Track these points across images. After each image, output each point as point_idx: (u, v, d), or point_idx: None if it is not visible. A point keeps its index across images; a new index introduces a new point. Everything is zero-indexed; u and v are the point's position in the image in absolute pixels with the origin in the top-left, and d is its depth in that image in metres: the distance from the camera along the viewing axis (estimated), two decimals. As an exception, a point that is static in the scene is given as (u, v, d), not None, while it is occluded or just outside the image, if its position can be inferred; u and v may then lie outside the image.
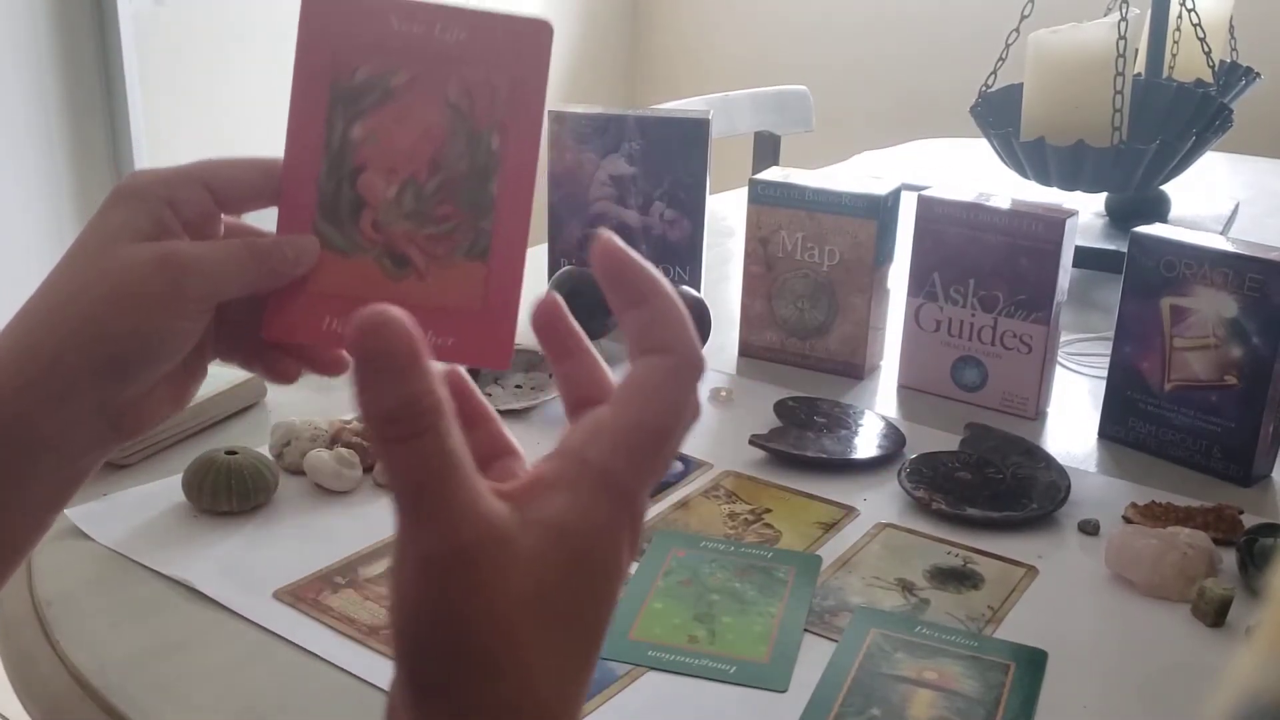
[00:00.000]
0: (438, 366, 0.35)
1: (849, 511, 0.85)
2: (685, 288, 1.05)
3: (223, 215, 0.52)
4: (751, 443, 0.92)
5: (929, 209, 1.02)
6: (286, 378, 0.53)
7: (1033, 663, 0.68)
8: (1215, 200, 1.62)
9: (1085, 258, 1.34)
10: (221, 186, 0.50)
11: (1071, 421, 1.01)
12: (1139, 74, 1.55)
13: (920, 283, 1.04)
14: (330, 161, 0.48)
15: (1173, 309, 0.91)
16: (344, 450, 0.86)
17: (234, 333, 0.52)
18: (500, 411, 0.97)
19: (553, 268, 1.17)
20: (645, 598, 0.74)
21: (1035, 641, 0.70)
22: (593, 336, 1.20)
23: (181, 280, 0.47)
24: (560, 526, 0.36)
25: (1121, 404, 0.96)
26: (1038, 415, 1.01)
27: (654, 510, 0.84)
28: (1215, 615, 0.72)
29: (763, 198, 1.08)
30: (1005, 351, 1.01)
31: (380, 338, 0.33)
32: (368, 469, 0.87)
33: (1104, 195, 1.53)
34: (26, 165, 2.26)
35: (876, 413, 1.00)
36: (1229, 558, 0.78)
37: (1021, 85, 1.44)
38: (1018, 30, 1.45)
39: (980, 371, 1.02)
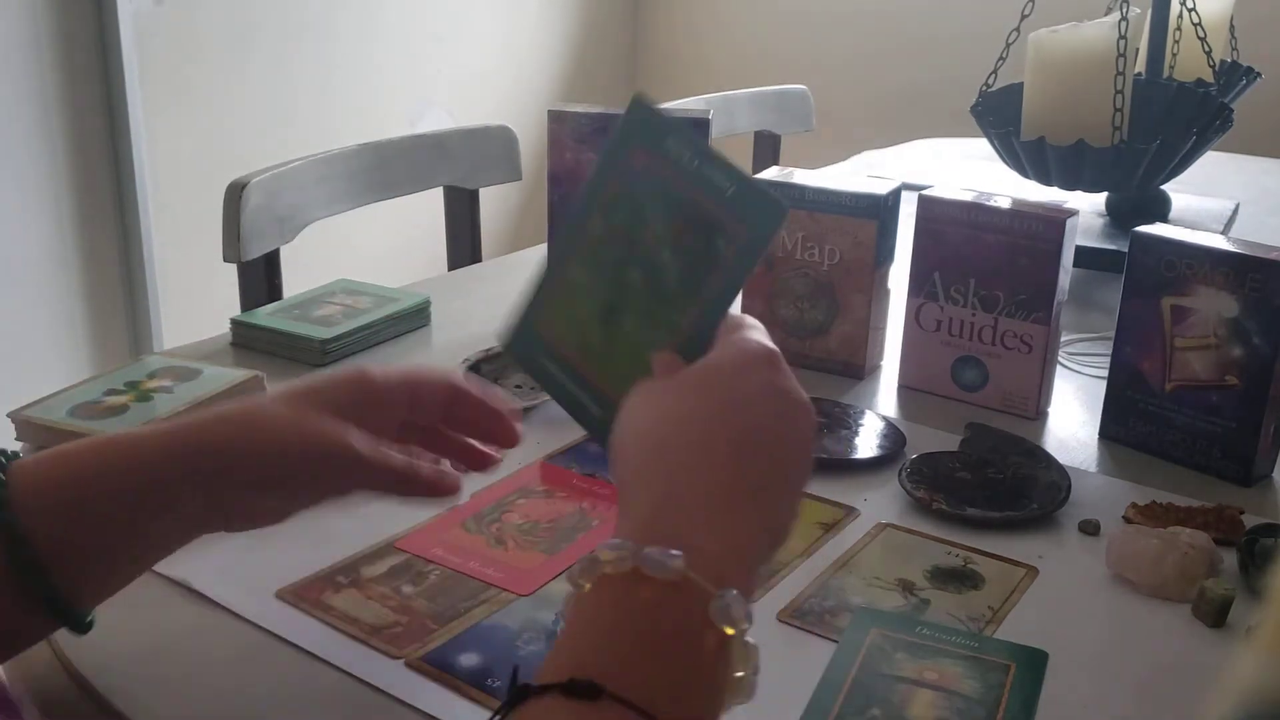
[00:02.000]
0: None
1: (849, 511, 0.85)
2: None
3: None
4: (752, 443, 0.92)
5: (929, 209, 1.02)
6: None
7: (1033, 663, 0.68)
8: (1216, 200, 1.62)
9: (1086, 257, 1.34)
10: (421, 402, 0.66)
11: (1072, 421, 1.01)
12: (1139, 73, 1.55)
13: (920, 282, 1.04)
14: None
15: (1173, 309, 0.91)
16: (344, 450, 0.86)
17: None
18: (500, 411, 0.97)
19: (553, 267, 1.17)
20: (573, 253, 0.62)
21: (1036, 642, 0.70)
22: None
23: (342, 482, 0.62)
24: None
25: (1122, 404, 0.96)
26: (1038, 415, 1.01)
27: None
28: (1216, 615, 0.72)
29: (763, 197, 1.07)
30: (1006, 351, 1.01)
31: None
32: (368, 469, 0.87)
33: (1104, 195, 1.53)
34: (26, 165, 2.26)
35: (877, 413, 1.00)
36: (1230, 558, 0.78)
37: (1022, 84, 1.44)
38: (1018, 29, 1.45)
39: (981, 371, 1.02)
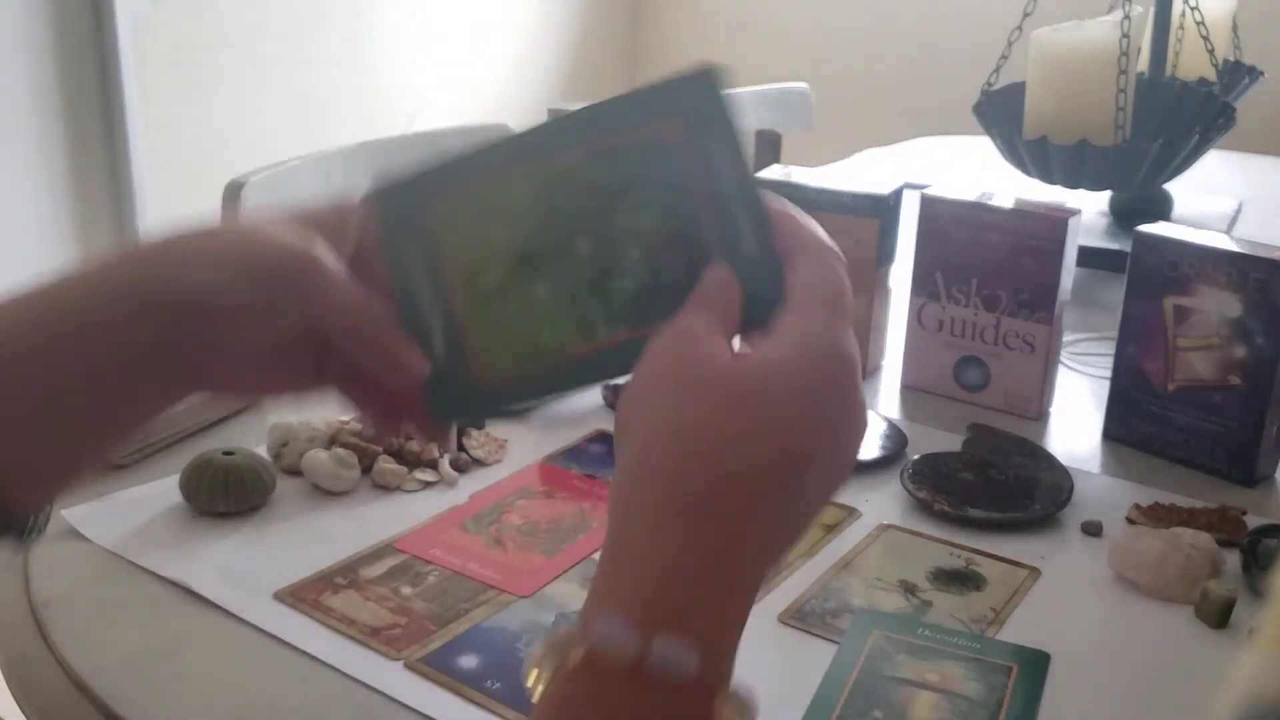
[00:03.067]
0: None
1: (851, 513, 0.85)
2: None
3: None
4: (752, 443, 0.92)
5: (931, 208, 1.01)
6: (392, 428, 0.54)
7: (1035, 665, 0.68)
8: (1219, 199, 1.62)
9: (1088, 257, 1.33)
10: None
11: (1075, 422, 1.01)
12: (1142, 72, 1.55)
13: (923, 282, 1.03)
14: None
15: (1176, 309, 0.90)
16: (341, 450, 0.86)
17: (352, 372, 0.52)
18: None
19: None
20: (521, 164, 0.51)
21: (1038, 643, 0.70)
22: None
23: (308, 307, 0.48)
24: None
25: (1125, 404, 0.95)
26: (1041, 415, 1.01)
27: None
28: (1219, 617, 0.72)
29: (764, 197, 1.07)
30: (1008, 351, 1.00)
31: None
32: (365, 470, 0.87)
33: (1107, 194, 1.52)
34: (24, 165, 2.26)
35: (878, 413, 1.00)
36: (1233, 559, 0.77)
37: (1024, 83, 1.44)
38: (1020, 28, 1.45)
39: (983, 371, 1.02)
